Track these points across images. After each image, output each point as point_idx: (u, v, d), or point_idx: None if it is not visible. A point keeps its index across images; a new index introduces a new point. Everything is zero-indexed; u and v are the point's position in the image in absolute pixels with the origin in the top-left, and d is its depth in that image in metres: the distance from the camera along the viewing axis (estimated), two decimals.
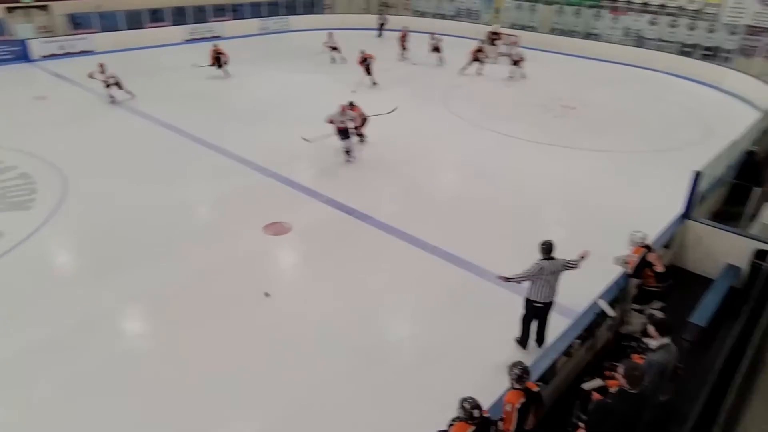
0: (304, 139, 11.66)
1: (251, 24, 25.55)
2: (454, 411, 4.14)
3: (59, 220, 9.13)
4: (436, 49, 20.47)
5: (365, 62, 17.13)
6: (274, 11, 26.72)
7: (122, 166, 11.25)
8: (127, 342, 6.67)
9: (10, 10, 19.98)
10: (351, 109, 11.70)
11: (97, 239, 8.60)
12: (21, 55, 19.50)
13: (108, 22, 21.75)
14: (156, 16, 23.05)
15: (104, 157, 11.70)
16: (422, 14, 28.62)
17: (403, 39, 21.34)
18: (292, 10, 27.37)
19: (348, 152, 11.55)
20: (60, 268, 8.25)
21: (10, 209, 9.41)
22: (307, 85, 17.45)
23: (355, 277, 7.89)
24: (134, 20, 22.41)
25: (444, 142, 13.08)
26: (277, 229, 8.97)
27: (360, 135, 12.44)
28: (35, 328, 6.66)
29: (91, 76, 15.05)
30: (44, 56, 19.79)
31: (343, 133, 11.31)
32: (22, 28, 20.05)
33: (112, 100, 15.07)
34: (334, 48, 20.27)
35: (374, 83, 17.21)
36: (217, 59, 17.94)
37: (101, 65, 15.10)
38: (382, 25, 25.86)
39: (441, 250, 8.43)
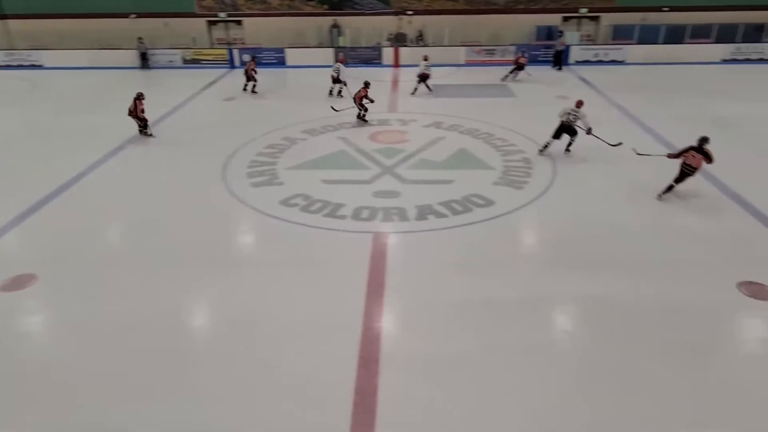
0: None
1: None
2: None
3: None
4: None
5: None
6: None
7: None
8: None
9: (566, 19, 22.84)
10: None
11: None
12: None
13: (647, 35, 21.89)
14: (700, 32, 21.88)
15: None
16: None
17: None
18: None
19: None
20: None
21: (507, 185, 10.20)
22: None
23: None
24: (675, 35, 21.81)
25: None
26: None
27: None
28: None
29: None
30: (578, 61, 21.54)
31: None
32: (570, 35, 22.12)
33: None
34: None
35: None
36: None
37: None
38: None
39: None
